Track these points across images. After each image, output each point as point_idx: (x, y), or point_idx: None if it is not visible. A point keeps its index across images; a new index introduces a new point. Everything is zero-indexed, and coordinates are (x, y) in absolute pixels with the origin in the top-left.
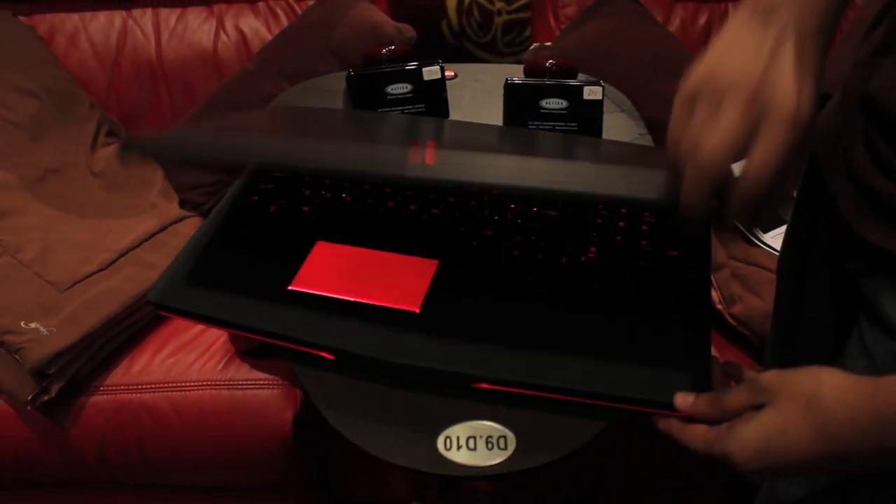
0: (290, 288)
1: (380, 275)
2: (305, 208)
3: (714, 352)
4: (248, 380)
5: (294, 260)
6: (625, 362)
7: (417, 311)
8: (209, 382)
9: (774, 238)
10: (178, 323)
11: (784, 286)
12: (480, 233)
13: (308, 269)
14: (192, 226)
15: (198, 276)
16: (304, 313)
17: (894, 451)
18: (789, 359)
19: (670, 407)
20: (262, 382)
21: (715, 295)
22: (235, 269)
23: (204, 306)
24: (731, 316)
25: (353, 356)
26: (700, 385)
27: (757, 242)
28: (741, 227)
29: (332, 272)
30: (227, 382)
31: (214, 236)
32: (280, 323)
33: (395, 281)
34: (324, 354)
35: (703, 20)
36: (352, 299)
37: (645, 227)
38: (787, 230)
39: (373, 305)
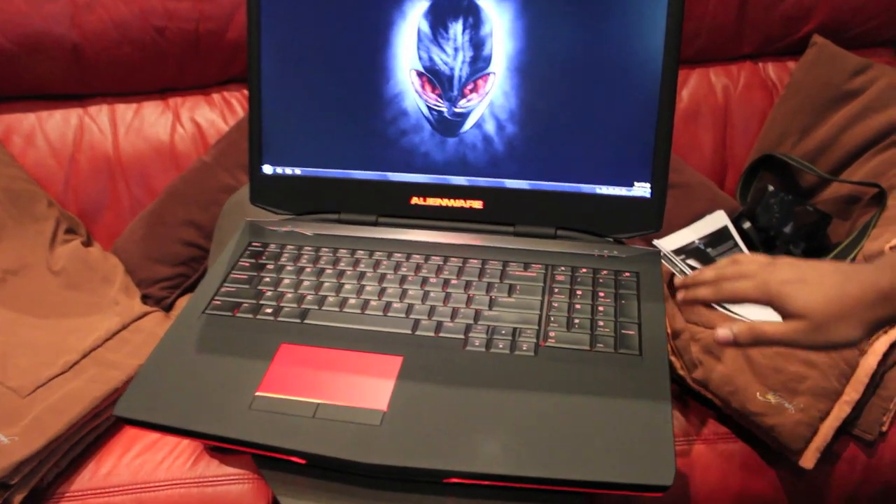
0: (257, 393)
1: (346, 374)
2: (268, 310)
3: (678, 415)
4: (218, 476)
5: (259, 364)
6: (593, 447)
7: (385, 409)
8: (179, 481)
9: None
10: None
11: None
12: (442, 325)
13: (274, 373)
14: (154, 321)
15: (163, 387)
16: (272, 418)
17: None
18: None
19: (642, 488)
20: (233, 478)
21: (676, 361)
22: (201, 377)
23: (172, 417)
24: (694, 381)
25: (324, 459)
26: (665, 460)
27: (714, 306)
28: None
29: (297, 374)
30: (197, 480)
31: (178, 345)
32: (249, 430)
33: (362, 379)
34: (294, 459)
35: None
36: (319, 401)
37: (601, 308)
38: None
39: (341, 406)
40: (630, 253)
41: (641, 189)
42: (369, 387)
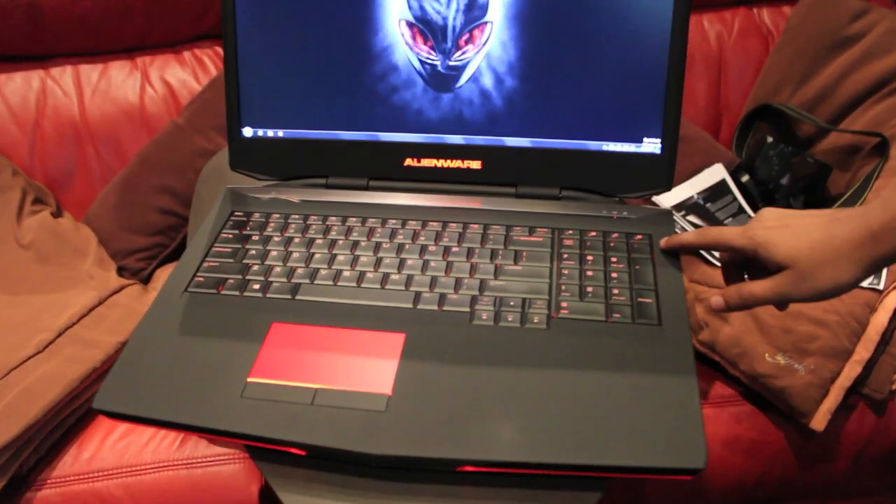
0: (248, 379)
1: (344, 355)
2: (255, 286)
3: None
4: (207, 456)
5: (249, 346)
6: (616, 429)
7: (390, 393)
8: (166, 463)
9: None
10: None
11: None
12: (446, 297)
13: (266, 356)
14: (132, 295)
15: (145, 375)
16: (267, 407)
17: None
18: None
19: (670, 471)
20: (222, 458)
21: None
22: (186, 363)
23: (156, 409)
24: (700, 343)
25: (326, 450)
26: (696, 441)
27: (716, 263)
28: (704, 254)
29: (292, 357)
30: (185, 461)
31: (159, 328)
32: (242, 421)
33: (363, 360)
34: (293, 450)
35: None
36: (318, 386)
37: (615, 275)
38: None
39: (342, 391)
40: (641, 214)
41: (651, 145)
42: (371, 368)
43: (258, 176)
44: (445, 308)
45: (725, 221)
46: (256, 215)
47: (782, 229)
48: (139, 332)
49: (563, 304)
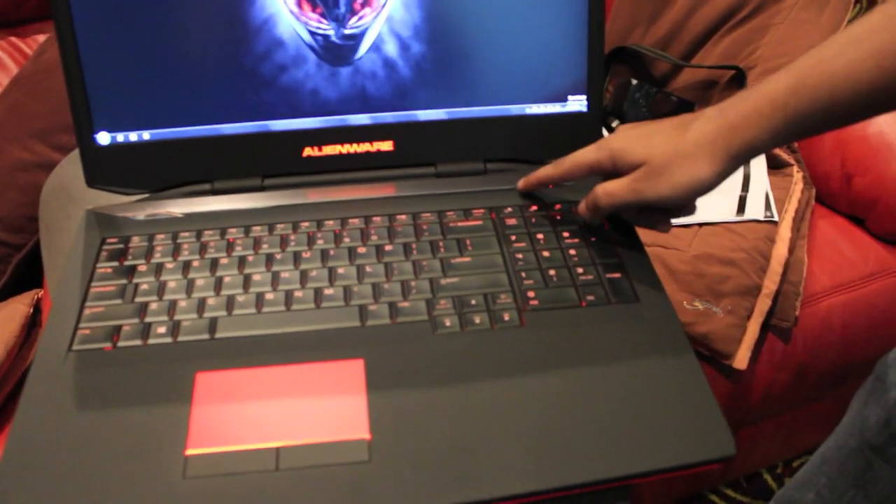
0: (187, 453)
1: (299, 398)
2: (161, 329)
3: None
4: None
5: (176, 409)
6: (632, 429)
7: (369, 437)
8: None
9: None
10: None
11: None
12: (397, 307)
13: (201, 418)
14: None
15: (45, 479)
16: (221, 485)
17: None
18: None
19: (700, 465)
20: None
21: None
22: (97, 450)
23: None
24: None
25: None
26: (720, 428)
27: None
28: None
29: (234, 413)
30: None
31: (46, 410)
32: None
33: (323, 401)
34: None
35: None
36: (278, 444)
37: (573, 251)
38: None
39: (310, 445)
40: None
41: (577, 103)
42: (337, 410)
43: (124, 191)
44: (400, 320)
45: None
46: (136, 239)
47: (637, 134)
48: (21, 421)
49: (531, 294)
